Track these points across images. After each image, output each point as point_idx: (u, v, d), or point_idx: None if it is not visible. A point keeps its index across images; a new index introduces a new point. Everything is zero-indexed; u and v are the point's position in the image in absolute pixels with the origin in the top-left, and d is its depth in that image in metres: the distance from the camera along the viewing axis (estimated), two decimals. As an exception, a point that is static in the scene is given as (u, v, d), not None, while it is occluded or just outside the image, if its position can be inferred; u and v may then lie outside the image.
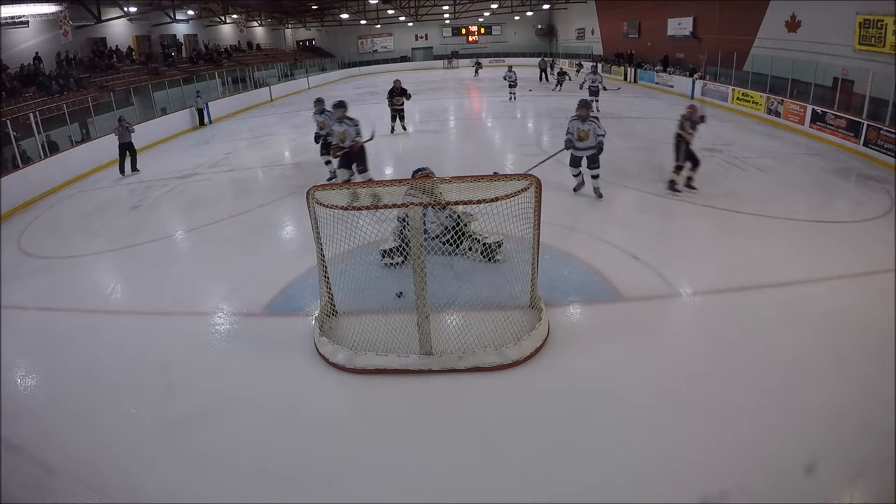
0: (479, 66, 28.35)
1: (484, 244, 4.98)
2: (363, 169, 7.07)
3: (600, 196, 6.93)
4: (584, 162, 6.76)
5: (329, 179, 7.93)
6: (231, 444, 3.11)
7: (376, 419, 3.30)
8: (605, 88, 14.08)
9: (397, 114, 11.92)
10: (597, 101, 13.38)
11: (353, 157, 6.98)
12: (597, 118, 6.84)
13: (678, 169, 6.98)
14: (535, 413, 3.27)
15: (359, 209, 3.58)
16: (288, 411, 3.38)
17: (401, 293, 4.47)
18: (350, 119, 6.96)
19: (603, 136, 6.55)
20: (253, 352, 4.02)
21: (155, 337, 4.35)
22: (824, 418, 3.09)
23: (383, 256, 5.02)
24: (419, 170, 5.22)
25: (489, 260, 4.96)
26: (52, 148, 10.20)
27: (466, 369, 3.58)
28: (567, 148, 6.73)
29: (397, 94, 11.54)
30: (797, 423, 3.05)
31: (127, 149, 10.10)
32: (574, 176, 7.03)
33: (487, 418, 3.23)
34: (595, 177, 6.84)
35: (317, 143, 8.10)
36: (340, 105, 7.08)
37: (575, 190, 7.15)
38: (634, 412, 3.22)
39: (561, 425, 3.16)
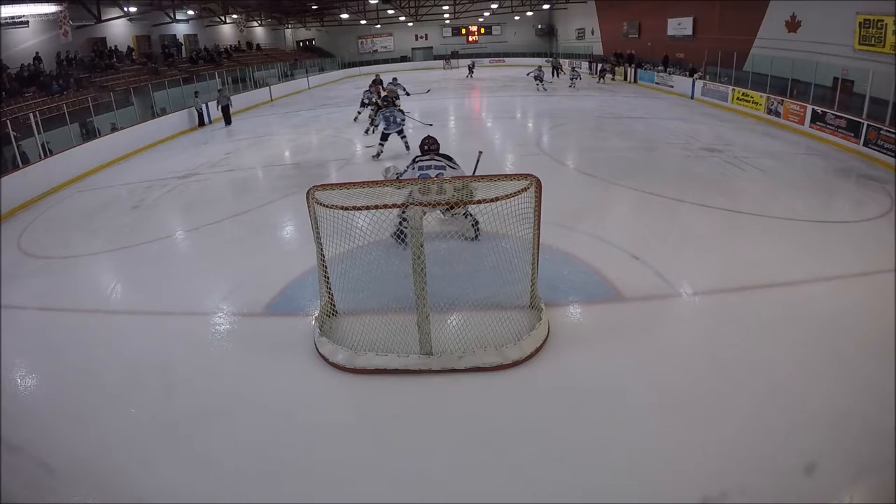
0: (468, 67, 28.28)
1: (474, 221, 5.22)
2: None
3: None
4: None
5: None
6: (231, 444, 3.11)
7: (376, 419, 3.30)
8: None
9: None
10: None
11: None
12: None
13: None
14: (536, 413, 3.27)
15: (358, 209, 3.57)
16: (288, 411, 3.38)
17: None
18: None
19: None
20: (253, 352, 4.02)
21: (155, 337, 4.35)
22: (824, 418, 3.09)
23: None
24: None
25: (474, 236, 5.29)
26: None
27: (466, 369, 3.58)
28: None
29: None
30: (797, 423, 3.05)
31: (225, 111, 15.59)
32: None
33: (487, 418, 3.23)
34: None
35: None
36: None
37: None
38: (634, 412, 3.22)
39: (561, 425, 3.16)
